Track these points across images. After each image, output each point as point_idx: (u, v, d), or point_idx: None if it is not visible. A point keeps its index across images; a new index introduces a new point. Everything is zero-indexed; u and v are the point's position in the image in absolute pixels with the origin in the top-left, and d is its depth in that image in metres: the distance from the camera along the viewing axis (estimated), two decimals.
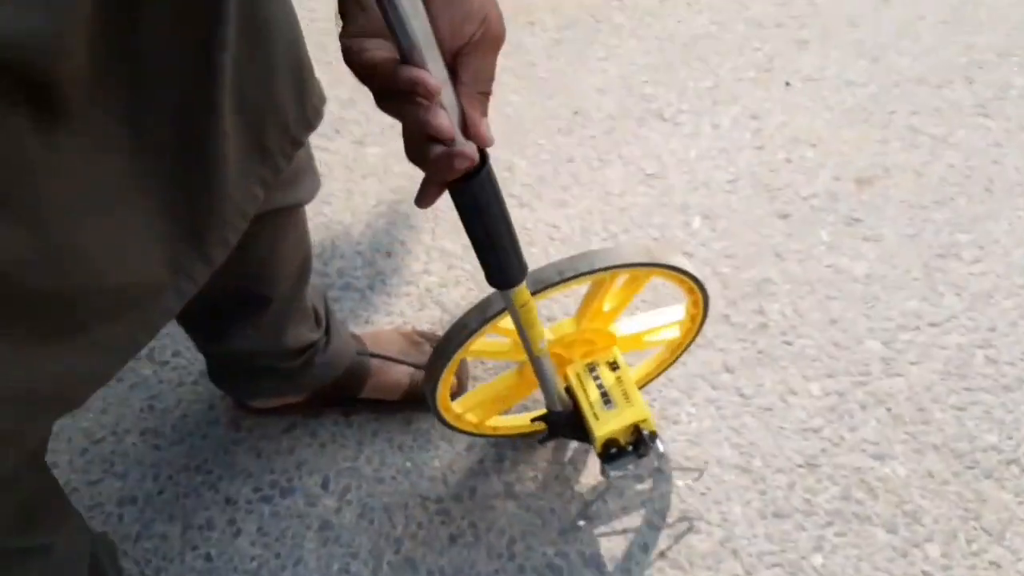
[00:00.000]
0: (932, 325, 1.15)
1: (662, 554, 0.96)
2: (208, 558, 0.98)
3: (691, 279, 0.86)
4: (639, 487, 1.01)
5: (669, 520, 0.99)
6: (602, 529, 0.98)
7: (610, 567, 0.96)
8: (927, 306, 1.17)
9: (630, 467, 0.89)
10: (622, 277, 0.84)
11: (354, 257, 1.27)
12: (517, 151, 1.39)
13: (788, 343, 1.14)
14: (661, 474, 1.02)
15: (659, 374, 1.07)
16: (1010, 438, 1.04)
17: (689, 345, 1.01)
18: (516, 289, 0.67)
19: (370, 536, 0.99)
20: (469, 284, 1.23)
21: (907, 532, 0.97)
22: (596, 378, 0.91)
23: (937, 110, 1.41)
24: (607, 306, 0.89)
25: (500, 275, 0.64)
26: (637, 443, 0.88)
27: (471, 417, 0.97)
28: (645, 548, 0.97)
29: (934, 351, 1.12)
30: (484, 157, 0.53)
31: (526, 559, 0.97)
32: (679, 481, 1.01)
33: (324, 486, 1.04)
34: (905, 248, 1.23)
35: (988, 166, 1.33)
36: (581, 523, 0.99)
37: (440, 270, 1.25)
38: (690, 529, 0.98)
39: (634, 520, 0.99)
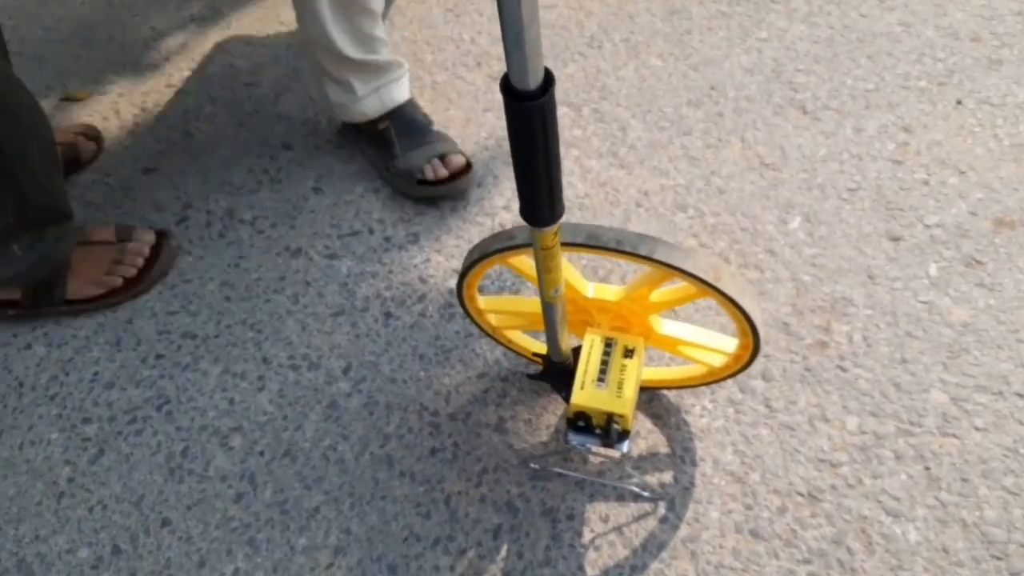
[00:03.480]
0: (1020, 396, 1.00)
1: (619, 528, 0.94)
2: (231, 402, 1.10)
3: (748, 322, 0.82)
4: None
5: (639, 499, 0.96)
6: (571, 488, 0.98)
7: (563, 524, 0.95)
8: (1023, 374, 1.02)
9: (590, 446, 0.87)
10: (678, 280, 0.80)
11: None
12: (638, 113, 1.36)
13: (842, 369, 1.04)
14: (647, 457, 0.99)
15: (672, 388, 1.03)
16: None
17: (720, 381, 0.97)
18: (542, 230, 0.68)
19: (365, 426, 1.06)
20: None
21: None
22: (607, 354, 0.89)
23: None
24: (654, 296, 0.87)
25: (528, 209, 0.66)
26: (607, 432, 0.86)
27: (491, 319, 1.00)
28: (605, 519, 0.95)
29: (1009, 424, 0.98)
30: (548, 82, 0.53)
31: (490, 490, 0.99)
32: (657, 474, 0.98)
33: (345, 371, 1.12)
34: None
35: None
36: (534, 465, 1.00)
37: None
38: (655, 514, 0.95)
39: (605, 489, 0.97)
